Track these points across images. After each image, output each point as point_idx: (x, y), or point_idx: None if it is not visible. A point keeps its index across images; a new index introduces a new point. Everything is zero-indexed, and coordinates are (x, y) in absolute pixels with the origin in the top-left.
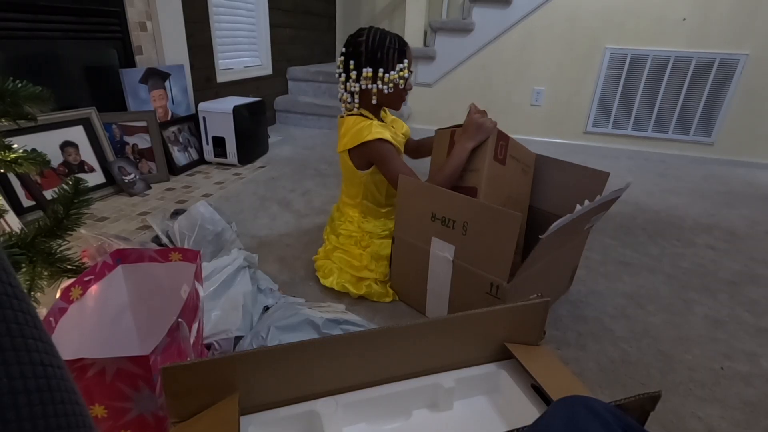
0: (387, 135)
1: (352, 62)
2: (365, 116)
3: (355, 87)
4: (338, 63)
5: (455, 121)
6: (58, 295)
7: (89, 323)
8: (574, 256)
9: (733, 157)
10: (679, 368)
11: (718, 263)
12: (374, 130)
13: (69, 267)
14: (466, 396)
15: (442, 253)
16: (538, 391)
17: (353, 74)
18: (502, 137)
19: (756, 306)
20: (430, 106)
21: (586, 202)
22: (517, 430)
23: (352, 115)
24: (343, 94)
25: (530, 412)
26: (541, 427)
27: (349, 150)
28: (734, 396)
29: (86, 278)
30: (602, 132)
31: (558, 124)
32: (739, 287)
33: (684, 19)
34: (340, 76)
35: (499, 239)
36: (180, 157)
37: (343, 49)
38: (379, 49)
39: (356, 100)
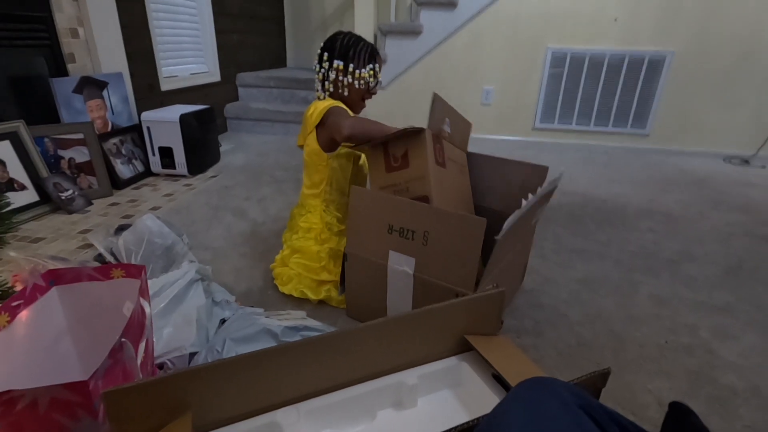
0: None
1: (326, 54)
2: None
3: (328, 76)
4: (316, 57)
5: (409, 122)
6: None
7: (20, 352)
8: (525, 251)
9: (667, 146)
10: (630, 346)
11: (659, 245)
12: (336, 103)
13: None
14: (429, 392)
15: (400, 267)
16: (498, 380)
17: (326, 65)
18: (436, 139)
19: (693, 282)
20: (385, 108)
21: (530, 196)
22: (479, 419)
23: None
24: (317, 85)
25: (493, 401)
26: (500, 410)
27: (317, 127)
28: (679, 367)
29: (14, 303)
30: (549, 128)
31: (508, 122)
32: (678, 265)
33: (615, 20)
34: (315, 67)
35: (463, 247)
36: (124, 170)
37: (321, 44)
38: (352, 47)
39: (326, 90)
